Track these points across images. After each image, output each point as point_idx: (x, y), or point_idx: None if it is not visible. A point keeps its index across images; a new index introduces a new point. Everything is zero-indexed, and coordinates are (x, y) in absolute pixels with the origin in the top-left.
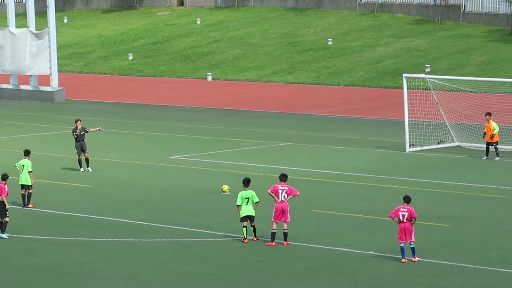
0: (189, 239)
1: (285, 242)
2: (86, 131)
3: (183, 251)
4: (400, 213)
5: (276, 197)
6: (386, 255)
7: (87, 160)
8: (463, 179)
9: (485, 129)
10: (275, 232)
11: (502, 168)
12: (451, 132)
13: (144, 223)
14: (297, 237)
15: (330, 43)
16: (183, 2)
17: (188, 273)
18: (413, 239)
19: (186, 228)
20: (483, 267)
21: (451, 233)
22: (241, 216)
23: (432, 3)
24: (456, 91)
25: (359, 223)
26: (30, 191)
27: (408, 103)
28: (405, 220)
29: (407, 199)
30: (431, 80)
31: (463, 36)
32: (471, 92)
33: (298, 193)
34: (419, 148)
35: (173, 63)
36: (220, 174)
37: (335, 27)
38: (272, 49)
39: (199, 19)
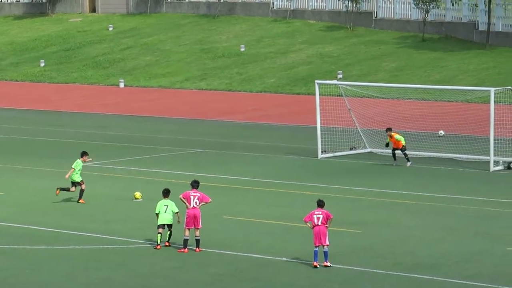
0: (101, 246)
1: (197, 248)
2: None
3: (95, 258)
4: (314, 216)
5: (188, 203)
6: (299, 261)
7: None
8: (375, 185)
9: (392, 144)
10: (187, 239)
11: (413, 174)
12: (363, 138)
13: (56, 230)
14: (209, 244)
15: (242, 49)
16: (95, 8)
17: (101, 280)
18: (327, 242)
19: (98, 235)
20: (395, 273)
21: (363, 239)
22: (158, 224)
23: (344, 9)
24: (368, 97)
25: (271, 230)
26: (72, 189)
27: (320, 109)
28: (319, 223)
29: (321, 203)
30: (343, 86)
31: (375, 42)
32: (383, 98)
33: (210, 200)
34: (331, 154)
35: (85, 70)
36: (132, 181)
37: (247, 33)
38: (184, 55)
39: (111, 25)
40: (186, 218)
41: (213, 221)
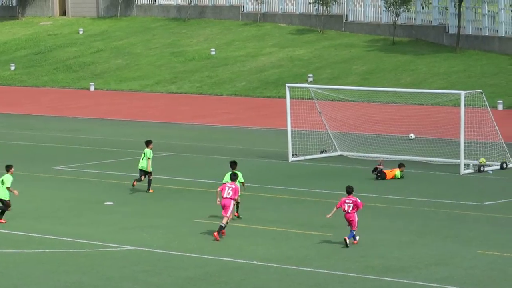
0: (71, 250)
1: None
2: None
3: (66, 261)
4: (345, 204)
5: (221, 194)
6: (269, 264)
7: None
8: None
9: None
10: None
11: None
12: (334, 141)
13: (26, 233)
14: (180, 247)
15: (213, 53)
16: (65, 12)
17: (72, 284)
18: (355, 227)
19: (68, 239)
20: (365, 276)
21: (333, 242)
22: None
23: (314, 13)
24: (339, 100)
25: (241, 233)
26: (150, 177)
27: (290, 112)
28: (349, 211)
29: (349, 189)
30: (314, 89)
31: (346, 45)
32: (353, 101)
33: (237, 196)
34: (302, 158)
35: (56, 73)
36: (102, 184)
37: (218, 37)
38: (155, 59)
39: (81, 29)
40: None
41: (183, 224)
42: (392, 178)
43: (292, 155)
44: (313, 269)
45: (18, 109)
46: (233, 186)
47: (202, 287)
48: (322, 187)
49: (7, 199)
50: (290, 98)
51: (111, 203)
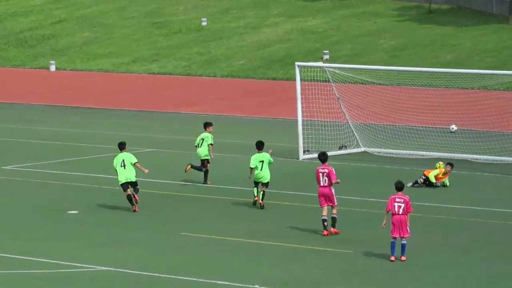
0: (26, 271)
1: (332, 229)
2: None
3: (19, 285)
4: (395, 204)
5: (318, 182)
6: None
7: None
8: (370, 193)
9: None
10: (324, 219)
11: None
12: (356, 134)
13: None
14: (162, 268)
15: (204, 23)
16: None
17: None
18: (408, 233)
19: (22, 257)
20: None
21: (355, 260)
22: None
23: None
24: (362, 83)
25: (239, 249)
26: (207, 167)
27: (302, 98)
28: (400, 212)
29: (399, 185)
30: (331, 69)
31: (370, 14)
32: (380, 84)
33: (337, 180)
34: (315, 155)
35: (7, 49)
36: (65, 188)
37: (210, 4)
38: (131, 31)
39: None
40: (318, 197)
41: (167, 239)
42: (438, 180)
43: (304, 151)
44: None
45: None
46: (326, 170)
47: None
48: (341, 191)
49: None
50: (301, 80)
51: (76, 212)
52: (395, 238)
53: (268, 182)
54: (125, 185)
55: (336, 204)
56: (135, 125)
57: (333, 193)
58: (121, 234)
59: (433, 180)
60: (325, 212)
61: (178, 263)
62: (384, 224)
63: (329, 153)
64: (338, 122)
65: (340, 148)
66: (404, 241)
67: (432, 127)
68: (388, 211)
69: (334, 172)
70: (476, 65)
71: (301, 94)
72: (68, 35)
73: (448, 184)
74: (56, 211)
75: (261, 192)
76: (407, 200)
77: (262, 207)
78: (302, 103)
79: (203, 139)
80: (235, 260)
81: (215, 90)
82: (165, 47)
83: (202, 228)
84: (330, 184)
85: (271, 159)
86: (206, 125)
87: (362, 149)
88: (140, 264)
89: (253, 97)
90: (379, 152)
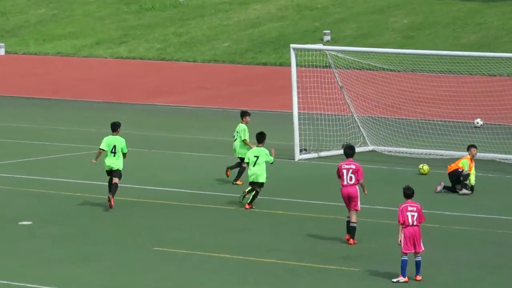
0: None
1: (351, 240)
2: None
3: None
4: (408, 214)
5: (341, 180)
6: None
7: None
8: (379, 200)
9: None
10: (349, 221)
11: (435, 183)
12: (362, 130)
13: None
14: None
15: None
16: None
17: None
18: (422, 248)
19: None
20: None
21: (363, 281)
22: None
23: None
24: (369, 69)
25: (224, 267)
26: (244, 165)
27: (298, 87)
28: (414, 223)
29: (408, 192)
30: (333, 53)
31: None
32: (391, 71)
33: (362, 179)
34: (314, 155)
35: None
36: (16, 194)
37: None
38: (95, 7)
39: None
40: (343, 198)
41: (138, 255)
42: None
43: (300, 150)
44: None
45: None
46: (353, 165)
47: None
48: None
49: None
50: (297, 66)
51: (30, 222)
52: (406, 254)
53: (262, 183)
54: (110, 172)
55: (359, 209)
56: (98, 118)
57: (359, 194)
58: (83, 249)
59: (467, 169)
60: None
61: (151, 284)
62: (401, 240)
63: (330, 153)
64: (341, 115)
65: (343, 146)
66: (419, 258)
67: (453, 121)
68: (402, 223)
69: (363, 171)
70: (506, 47)
71: (297, 82)
72: (20, 13)
73: (473, 182)
74: (5, 221)
75: (253, 193)
76: (420, 208)
77: (246, 201)
78: (298, 93)
79: (237, 132)
80: (218, 280)
81: (195, 78)
82: (135, 26)
83: (178, 242)
84: (356, 182)
85: (270, 158)
86: (243, 114)
87: (370, 147)
88: (106, 283)
89: (240, 86)
90: (390, 151)
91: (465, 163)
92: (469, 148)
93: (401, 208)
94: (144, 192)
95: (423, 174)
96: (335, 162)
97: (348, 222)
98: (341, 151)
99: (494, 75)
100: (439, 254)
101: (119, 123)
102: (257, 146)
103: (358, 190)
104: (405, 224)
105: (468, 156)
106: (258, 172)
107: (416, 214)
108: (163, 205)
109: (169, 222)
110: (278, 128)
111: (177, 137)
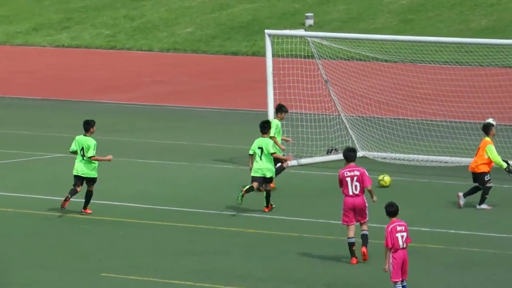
0: None
1: (365, 249)
2: None
3: None
4: (398, 235)
5: (346, 189)
6: None
7: None
8: (370, 216)
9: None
10: (351, 242)
11: (441, 197)
12: (351, 133)
13: None
14: None
15: None
16: None
17: None
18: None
19: None
20: None
21: None
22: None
23: None
24: (360, 59)
25: None
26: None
27: (274, 81)
28: (404, 245)
29: (392, 209)
30: (316, 40)
31: None
32: (386, 61)
33: (370, 184)
34: (294, 163)
35: None
36: None
37: None
38: None
39: None
40: (345, 211)
41: (83, 282)
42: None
43: (329, 151)
44: None
45: None
46: (357, 172)
47: None
48: (328, 215)
49: None
50: (273, 55)
51: None
52: (396, 282)
53: (271, 178)
54: (78, 179)
55: (367, 218)
56: (37, 119)
57: (366, 204)
58: (20, 274)
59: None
60: (352, 233)
61: None
62: (388, 266)
63: (313, 160)
64: (325, 115)
65: (329, 152)
66: (405, 284)
67: (459, 122)
68: (391, 248)
69: (369, 176)
70: None
71: (274, 75)
72: None
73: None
74: None
75: (264, 194)
76: (406, 226)
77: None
78: (274, 88)
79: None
80: None
81: (151, 69)
82: (79, 9)
83: (131, 267)
84: (363, 191)
85: (270, 149)
86: (278, 109)
87: (360, 153)
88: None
89: (206, 80)
90: (384, 158)
91: (490, 150)
92: (486, 127)
93: (389, 229)
94: (94, 207)
95: (384, 186)
96: (319, 171)
97: (352, 244)
98: (325, 158)
99: (510, 67)
100: (446, 280)
101: (93, 122)
102: (261, 137)
103: (366, 200)
104: (394, 248)
105: (488, 138)
106: (266, 166)
107: (405, 234)
108: (116, 222)
109: (122, 243)
110: (250, 130)
111: (130, 140)
